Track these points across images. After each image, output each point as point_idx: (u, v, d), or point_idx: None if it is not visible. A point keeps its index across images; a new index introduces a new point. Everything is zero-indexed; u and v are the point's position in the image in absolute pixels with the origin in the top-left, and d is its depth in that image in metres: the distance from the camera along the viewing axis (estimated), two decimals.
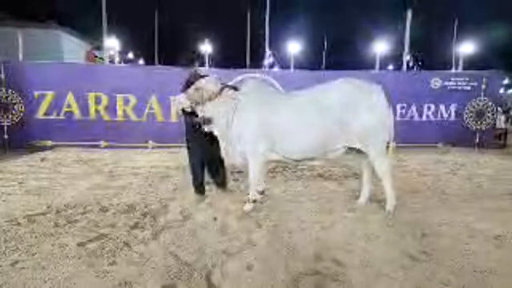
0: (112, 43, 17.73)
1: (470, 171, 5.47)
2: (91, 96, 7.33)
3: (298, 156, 3.39)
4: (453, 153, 7.34)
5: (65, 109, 7.30)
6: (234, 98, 3.37)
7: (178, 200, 3.74)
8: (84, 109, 7.36)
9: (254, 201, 3.46)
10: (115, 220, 3.09)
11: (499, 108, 9.02)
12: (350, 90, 3.28)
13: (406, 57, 10.95)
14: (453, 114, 8.03)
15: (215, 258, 2.38)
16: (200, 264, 2.28)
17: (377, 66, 13.77)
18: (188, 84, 3.47)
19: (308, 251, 2.49)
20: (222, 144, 3.48)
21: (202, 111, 3.40)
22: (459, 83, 8.02)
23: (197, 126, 3.53)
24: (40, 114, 7.28)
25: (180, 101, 3.43)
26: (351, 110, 3.20)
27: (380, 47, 16.68)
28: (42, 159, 6.12)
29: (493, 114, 8.07)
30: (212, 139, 3.56)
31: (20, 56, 8.63)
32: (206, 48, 18.76)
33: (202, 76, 3.62)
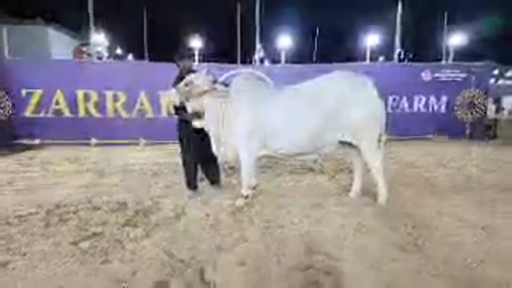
0: (100, 39, 17.45)
1: (460, 163, 5.54)
2: (80, 93, 7.24)
3: (291, 151, 3.39)
4: (443, 144, 7.42)
5: (53, 106, 7.20)
6: (225, 93, 3.34)
7: (171, 197, 3.73)
8: (73, 107, 7.27)
9: (246, 196, 3.46)
10: (107, 218, 3.07)
11: (489, 99, 9.13)
12: (342, 84, 3.27)
13: (397, 49, 11.00)
14: (443, 105, 8.12)
15: (208, 254, 2.38)
16: (193, 261, 2.28)
17: (368, 58, 13.83)
18: (179, 78, 3.43)
19: (300, 245, 2.51)
20: (213, 140, 3.46)
21: (193, 107, 3.37)
22: (449, 75, 8.09)
23: (187, 121, 3.49)
24: (28, 112, 7.17)
25: (170, 95, 3.39)
26: (343, 104, 3.20)
27: (371, 39, 16.69)
28: (31, 158, 6.03)
29: (483, 105, 8.17)
30: (204, 136, 3.53)
31: (6, 53, 8.46)
32: (196, 43, 18.59)
33: (193, 71, 3.59)
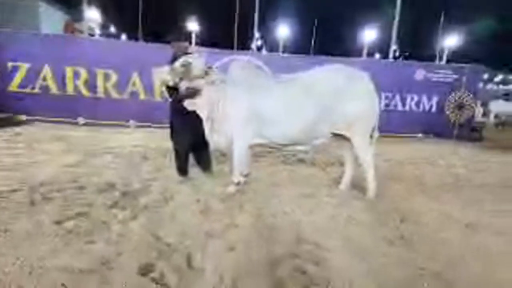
0: (93, 15, 16.93)
1: (449, 162, 5.62)
2: (69, 70, 7.02)
3: (285, 140, 3.36)
4: (432, 144, 7.52)
5: (40, 82, 6.97)
6: (221, 80, 3.26)
7: (160, 180, 3.66)
8: (61, 84, 7.05)
9: (238, 183, 3.42)
10: (94, 199, 2.99)
11: (478, 102, 9.27)
12: (339, 76, 3.25)
13: (393, 47, 11.02)
14: (434, 105, 8.21)
15: (197, 239, 2.35)
16: (181, 245, 2.25)
17: (365, 54, 13.87)
18: (174, 58, 3.33)
19: (290, 234, 2.50)
20: (207, 126, 3.39)
21: (185, 89, 3.27)
22: (441, 75, 8.16)
23: (180, 101, 3.36)
24: (13, 87, 6.92)
25: (162, 73, 3.27)
26: (339, 97, 3.18)
27: (368, 35, 16.71)
28: (17, 134, 5.85)
29: (472, 108, 8.29)
30: (196, 122, 3.44)
31: None
32: (193, 25, 18.25)
33: (188, 53, 3.49)
